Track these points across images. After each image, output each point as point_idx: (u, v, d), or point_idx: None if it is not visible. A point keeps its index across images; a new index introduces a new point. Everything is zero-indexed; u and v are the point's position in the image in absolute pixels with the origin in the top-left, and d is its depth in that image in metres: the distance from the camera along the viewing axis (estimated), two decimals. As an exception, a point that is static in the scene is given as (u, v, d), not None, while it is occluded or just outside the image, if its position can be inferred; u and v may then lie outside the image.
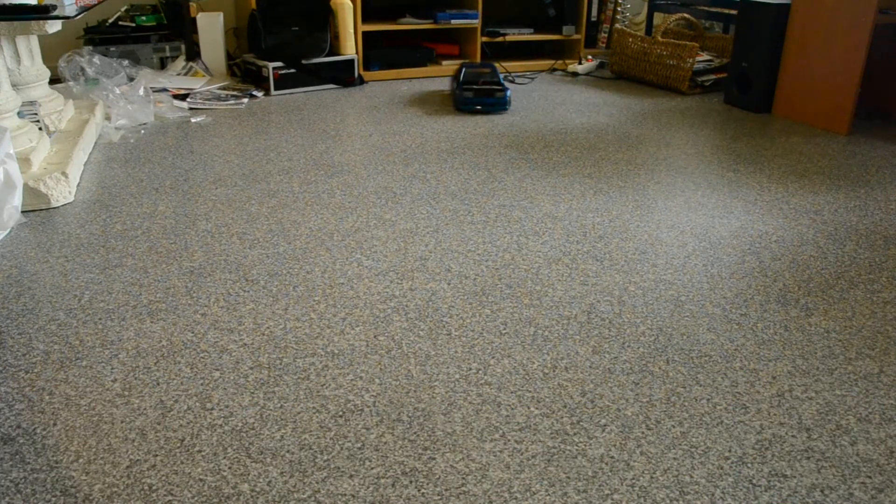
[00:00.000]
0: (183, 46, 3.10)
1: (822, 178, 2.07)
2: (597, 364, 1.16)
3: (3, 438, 0.97)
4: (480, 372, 1.13)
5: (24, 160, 1.75)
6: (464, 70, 2.91)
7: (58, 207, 1.76)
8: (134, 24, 3.03)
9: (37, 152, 1.82)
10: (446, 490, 0.89)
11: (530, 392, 1.09)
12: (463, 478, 0.92)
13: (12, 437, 0.97)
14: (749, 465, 0.95)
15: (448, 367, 1.14)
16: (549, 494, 0.89)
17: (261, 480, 0.91)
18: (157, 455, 0.94)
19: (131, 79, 2.78)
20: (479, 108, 2.75)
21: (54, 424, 1.00)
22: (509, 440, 0.98)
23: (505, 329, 1.26)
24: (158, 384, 1.09)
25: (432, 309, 1.32)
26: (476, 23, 3.43)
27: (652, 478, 0.92)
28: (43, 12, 1.79)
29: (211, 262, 1.49)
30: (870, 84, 2.69)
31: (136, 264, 1.48)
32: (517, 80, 3.39)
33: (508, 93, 2.76)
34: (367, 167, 2.09)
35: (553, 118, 2.69)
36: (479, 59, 3.52)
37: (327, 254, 1.54)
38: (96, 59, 2.68)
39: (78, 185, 1.91)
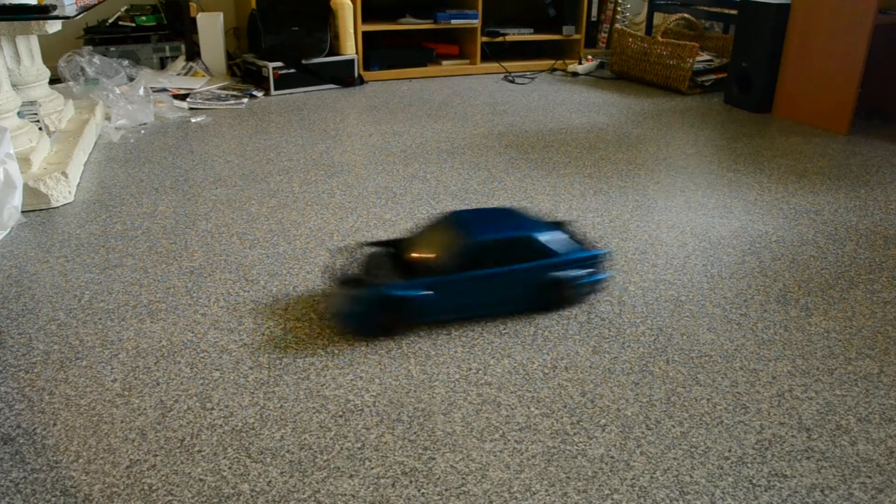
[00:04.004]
0: (183, 46, 3.10)
1: (822, 178, 2.07)
2: (597, 364, 1.16)
3: (3, 438, 0.97)
4: (480, 372, 1.13)
5: (24, 160, 1.75)
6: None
7: (58, 207, 1.76)
8: (134, 24, 3.03)
9: (37, 152, 1.82)
10: (446, 490, 0.89)
11: (530, 392, 1.09)
12: (463, 478, 0.92)
13: (12, 437, 0.97)
14: (749, 465, 0.95)
15: (448, 367, 1.14)
16: (549, 494, 0.89)
17: (261, 480, 0.91)
18: (157, 455, 0.94)
19: (131, 79, 2.78)
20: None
21: (54, 424, 1.00)
22: (509, 440, 0.98)
23: (505, 329, 1.26)
24: (158, 384, 1.09)
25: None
26: (476, 23, 3.43)
27: (652, 478, 0.92)
28: (43, 12, 1.79)
29: (211, 262, 1.49)
30: (870, 84, 2.69)
31: (136, 264, 1.48)
32: (517, 79, 3.40)
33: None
34: (367, 167, 2.09)
35: (553, 118, 2.69)
36: (478, 60, 3.51)
37: (327, 254, 1.54)
38: (96, 59, 2.68)
39: (78, 185, 1.91)
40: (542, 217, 1.56)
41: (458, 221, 1.29)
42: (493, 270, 1.25)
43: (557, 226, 1.38)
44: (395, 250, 1.34)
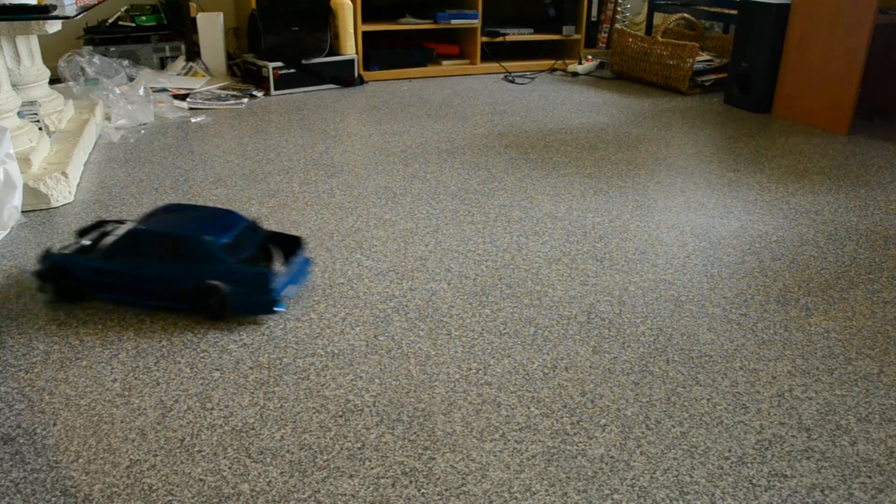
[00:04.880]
0: (183, 46, 3.10)
1: (822, 178, 2.07)
2: (597, 364, 1.16)
3: (3, 438, 0.97)
4: (480, 372, 1.13)
5: (24, 160, 1.75)
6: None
7: (58, 207, 1.76)
8: (134, 24, 3.03)
9: (37, 152, 1.82)
10: (446, 490, 0.89)
11: (530, 392, 1.09)
12: (463, 478, 0.92)
13: (12, 437, 0.97)
14: (749, 465, 0.95)
15: (448, 367, 1.14)
16: (549, 494, 0.89)
17: (261, 480, 0.91)
18: (157, 455, 0.94)
19: (131, 79, 2.78)
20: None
21: (54, 424, 1.00)
22: (509, 440, 0.98)
23: (505, 329, 1.26)
24: (158, 384, 1.09)
25: (432, 309, 1.32)
26: (476, 23, 3.43)
27: (652, 478, 0.92)
28: (43, 12, 1.79)
29: (211, 262, 1.49)
30: (870, 84, 2.69)
31: (136, 264, 1.48)
32: (517, 79, 3.40)
33: None
34: (367, 167, 2.09)
35: (553, 118, 2.69)
36: (478, 60, 3.51)
37: (327, 254, 1.54)
38: (96, 59, 2.68)
39: (78, 185, 1.91)
40: (274, 229, 1.47)
41: (156, 211, 1.33)
42: (133, 261, 1.26)
43: (284, 241, 1.37)
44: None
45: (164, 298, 1.28)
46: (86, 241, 1.34)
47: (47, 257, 1.30)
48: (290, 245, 1.37)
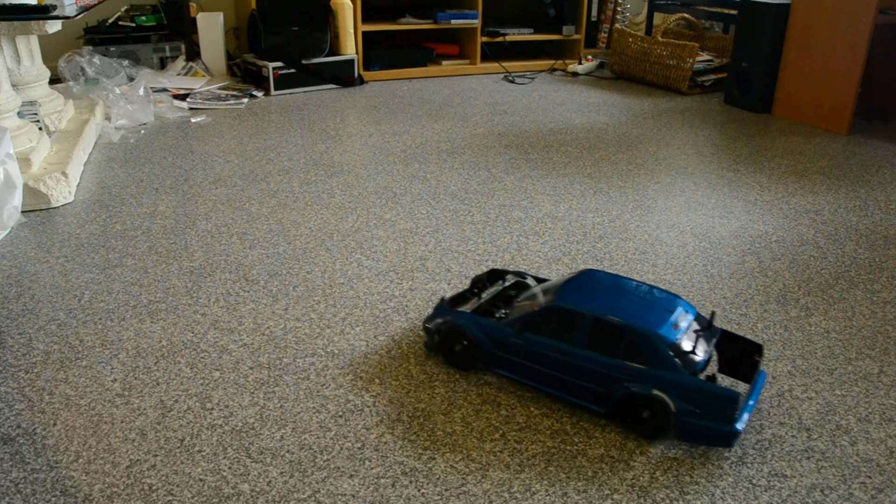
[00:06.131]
0: (183, 46, 3.10)
1: (822, 178, 2.07)
2: (597, 364, 1.16)
3: (3, 438, 0.97)
4: (480, 372, 1.13)
5: (24, 160, 1.75)
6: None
7: (58, 207, 1.76)
8: (134, 24, 3.03)
9: (37, 152, 1.82)
10: (446, 490, 0.89)
11: (530, 392, 1.09)
12: (463, 478, 0.92)
13: (12, 437, 0.97)
14: (749, 465, 0.95)
15: (448, 367, 1.14)
16: (549, 494, 0.89)
17: (261, 480, 0.91)
18: (157, 455, 0.94)
19: (131, 79, 2.78)
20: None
21: (54, 424, 1.00)
22: (509, 440, 0.98)
23: (505, 329, 1.26)
24: (158, 384, 1.09)
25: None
26: (476, 23, 3.43)
27: (652, 478, 0.92)
28: (43, 12, 1.79)
29: (211, 262, 1.49)
30: (870, 84, 2.69)
31: (136, 264, 1.48)
32: (517, 79, 3.39)
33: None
34: (367, 167, 2.09)
35: (553, 118, 2.69)
36: (478, 60, 3.51)
37: (327, 254, 1.54)
38: (96, 59, 2.68)
39: (78, 185, 1.91)
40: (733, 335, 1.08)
41: (574, 279, 1.09)
42: (551, 343, 1.03)
43: (738, 347, 1.06)
44: (515, 288, 1.21)
45: (582, 396, 1.02)
46: (484, 295, 1.15)
47: (442, 311, 1.10)
48: (745, 353, 1.06)
